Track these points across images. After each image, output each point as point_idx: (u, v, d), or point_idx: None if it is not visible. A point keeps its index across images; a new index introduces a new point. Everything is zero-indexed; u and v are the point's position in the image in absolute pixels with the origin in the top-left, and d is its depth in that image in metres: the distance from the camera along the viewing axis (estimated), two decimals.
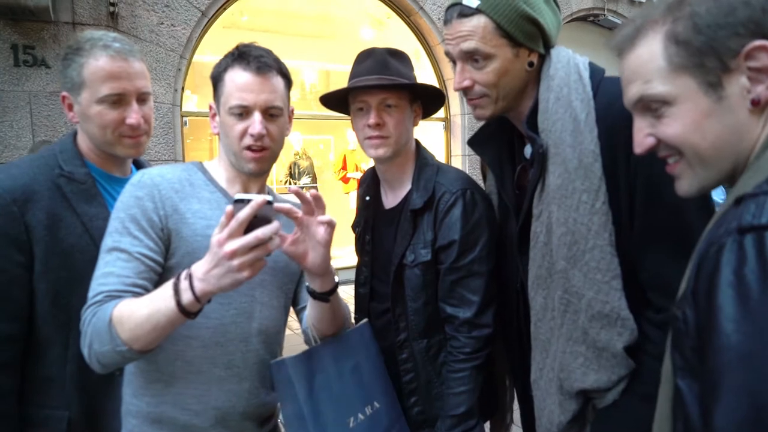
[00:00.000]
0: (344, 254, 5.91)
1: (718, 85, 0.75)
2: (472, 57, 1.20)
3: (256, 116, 1.20)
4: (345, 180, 8.12)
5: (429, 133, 6.74)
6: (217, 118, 1.28)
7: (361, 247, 1.66)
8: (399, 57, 1.50)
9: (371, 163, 1.69)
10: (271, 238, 0.99)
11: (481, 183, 1.58)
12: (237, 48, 1.24)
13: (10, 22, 4.48)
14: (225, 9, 5.55)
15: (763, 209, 0.63)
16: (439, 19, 6.32)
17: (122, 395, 1.27)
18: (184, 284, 1.01)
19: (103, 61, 1.34)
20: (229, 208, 0.98)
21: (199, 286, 1.00)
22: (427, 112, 1.60)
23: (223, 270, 0.98)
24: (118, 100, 1.36)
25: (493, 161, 1.39)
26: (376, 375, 1.42)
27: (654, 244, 1.10)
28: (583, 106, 1.14)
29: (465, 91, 1.25)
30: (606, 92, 1.14)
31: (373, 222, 1.63)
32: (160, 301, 1.03)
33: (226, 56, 1.24)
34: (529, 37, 1.19)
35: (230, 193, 1.27)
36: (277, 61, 1.25)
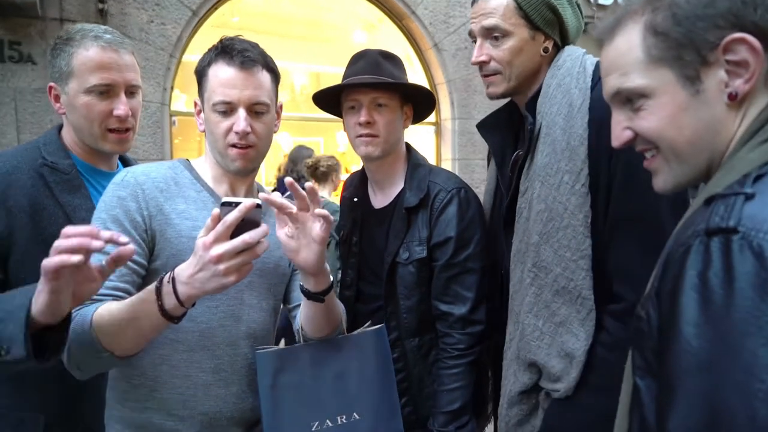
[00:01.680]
0: None
1: (696, 78, 0.73)
2: (491, 34, 1.29)
3: (241, 113, 1.17)
4: None
5: (419, 138, 6.73)
6: (202, 114, 1.25)
7: (347, 249, 1.66)
8: (391, 59, 1.53)
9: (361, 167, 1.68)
10: (259, 241, 0.96)
11: (473, 188, 1.59)
12: (221, 41, 1.21)
13: None
14: (216, 9, 5.50)
15: (732, 211, 0.62)
16: (431, 23, 6.31)
17: (105, 400, 1.23)
18: (167, 288, 0.98)
19: (93, 51, 1.32)
20: (216, 211, 0.95)
21: (182, 289, 0.97)
22: (419, 117, 1.61)
23: (209, 274, 0.95)
24: (107, 91, 1.34)
25: (496, 145, 1.47)
26: (370, 387, 1.30)
27: (624, 233, 1.15)
28: (580, 94, 1.21)
29: (480, 67, 1.34)
30: None
31: (361, 222, 1.62)
32: (143, 305, 1.00)
33: (209, 50, 1.21)
34: (546, 23, 1.28)
35: (217, 192, 1.25)
36: (263, 54, 1.22)
